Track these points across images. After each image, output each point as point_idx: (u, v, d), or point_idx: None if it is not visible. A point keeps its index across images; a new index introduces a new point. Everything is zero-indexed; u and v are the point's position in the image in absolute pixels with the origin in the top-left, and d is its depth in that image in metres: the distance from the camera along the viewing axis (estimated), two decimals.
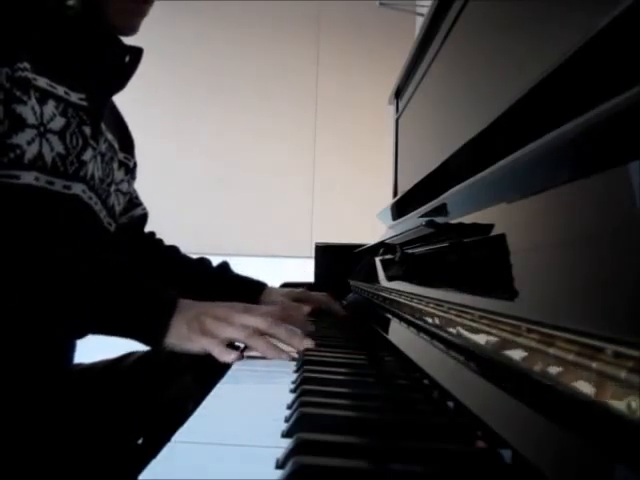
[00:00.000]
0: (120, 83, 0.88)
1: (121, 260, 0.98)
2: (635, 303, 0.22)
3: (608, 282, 0.25)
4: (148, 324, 0.67)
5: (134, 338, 0.69)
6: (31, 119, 0.70)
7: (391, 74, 1.43)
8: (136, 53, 0.87)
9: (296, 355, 0.68)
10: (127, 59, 0.86)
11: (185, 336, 0.67)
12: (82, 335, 0.69)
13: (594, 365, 0.24)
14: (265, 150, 3.10)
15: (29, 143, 0.70)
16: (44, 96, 0.73)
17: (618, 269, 0.25)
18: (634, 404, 0.20)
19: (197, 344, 0.67)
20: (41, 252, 0.68)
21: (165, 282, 1.02)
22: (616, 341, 0.23)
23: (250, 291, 1.06)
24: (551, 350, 0.28)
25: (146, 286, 0.70)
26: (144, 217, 1.09)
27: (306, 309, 0.97)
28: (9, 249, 0.66)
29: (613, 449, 0.22)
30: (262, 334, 0.68)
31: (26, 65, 0.70)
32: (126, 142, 0.99)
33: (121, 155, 0.96)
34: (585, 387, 0.24)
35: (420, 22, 1.52)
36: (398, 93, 1.38)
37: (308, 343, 0.70)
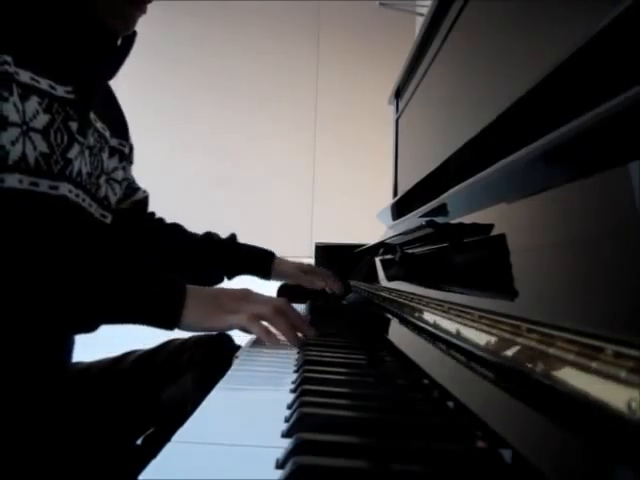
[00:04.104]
0: (111, 70, 0.84)
1: (124, 256, 0.99)
2: (635, 303, 0.22)
3: (608, 282, 0.25)
4: (162, 306, 0.67)
5: (149, 323, 0.67)
6: (13, 117, 0.67)
7: (391, 74, 1.43)
8: (128, 36, 0.83)
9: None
10: (119, 42, 0.82)
11: (206, 314, 0.68)
12: (94, 328, 0.67)
13: (594, 365, 0.24)
14: (265, 150, 3.10)
15: (13, 143, 0.67)
16: (27, 92, 0.69)
17: (618, 269, 0.25)
18: (634, 404, 0.20)
19: (222, 321, 0.69)
20: (47, 257, 0.66)
21: (170, 261, 1.04)
22: (616, 341, 0.23)
23: (261, 260, 1.10)
24: (551, 350, 0.28)
25: (156, 274, 0.70)
26: (146, 200, 1.08)
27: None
28: (4, 255, 0.64)
29: (613, 449, 0.22)
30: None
31: (7, 58, 0.66)
32: (119, 127, 0.95)
33: (114, 142, 0.92)
34: (585, 387, 0.24)
35: (420, 22, 1.52)
36: (398, 93, 1.38)
37: (312, 331, 0.76)
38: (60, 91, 0.74)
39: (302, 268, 1.14)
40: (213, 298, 0.70)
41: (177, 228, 1.13)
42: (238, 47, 3.12)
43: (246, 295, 0.73)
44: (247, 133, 3.09)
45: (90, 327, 0.67)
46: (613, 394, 0.22)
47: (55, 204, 0.74)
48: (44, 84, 0.72)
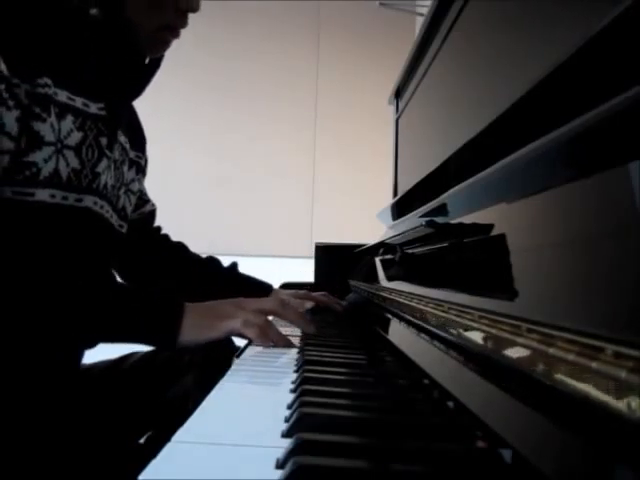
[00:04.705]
0: (140, 87, 0.86)
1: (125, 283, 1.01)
2: (635, 303, 0.22)
3: (608, 282, 0.25)
4: (159, 325, 0.68)
5: (148, 343, 0.70)
6: (49, 136, 0.69)
7: (391, 74, 1.43)
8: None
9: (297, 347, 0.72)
10: (147, 61, 0.85)
11: (202, 326, 0.70)
12: (93, 346, 0.70)
13: (594, 365, 0.24)
14: (265, 150, 3.10)
15: (46, 161, 0.69)
16: (63, 110, 0.71)
17: (618, 269, 0.25)
18: (634, 404, 0.20)
19: (219, 329, 0.70)
20: (51, 276, 0.67)
21: (173, 279, 1.06)
22: (616, 341, 0.23)
23: (258, 292, 1.09)
24: (551, 350, 0.28)
25: (152, 294, 0.71)
26: (153, 213, 1.09)
27: (308, 304, 1.07)
28: (20, 266, 0.65)
29: (613, 449, 0.22)
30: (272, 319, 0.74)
31: (47, 81, 0.68)
32: (138, 139, 0.98)
33: (132, 154, 0.94)
34: (585, 387, 0.24)
35: (420, 22, 1.52)
36: (398, 93, 1.38)
37: (312, 328, 0.79)
38: (93, 108, 0.76)
39: (296, 296, 1.12)
40: (208, 310, 0.72)
41: (181, 248, 1.13)
42: (238, 47, 3.12)
43: (239, 303, 0.74)
44: (247, 133, 3.09)
45: (89, 345, 0.70)
46: (613, 394, 0.22)
47: (79, 216, 0.76)
48: (79, 102, 0.74)
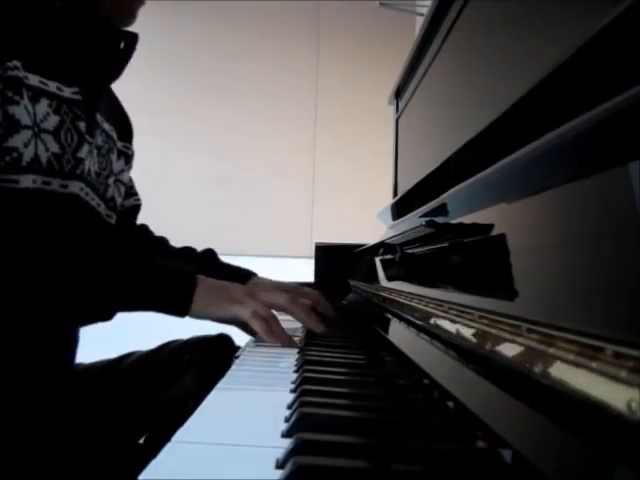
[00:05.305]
0: (115, 71, 0.86)
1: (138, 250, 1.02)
2: (635, 303, 0.22)
3: (608, 282, 0.25)
4: (173, 293, 0.69)
5: (161, 310, 0.70)
6: (25, 120, 0.69)
7: (391, 74, 1.43)
8: (131, 38, 0.84)
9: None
10: (122, 45, 0.84)
11: (212, 302, 0.70)
12: (111, 316, 0.70)
13: (594, 365, 0.24)
14: (265, 150, 3.09)
15: (26, 145, 0.69)
16: (36, 94, 0.71)
17: (618, 269, 0.25)
18: (634, 404, 0.20)
19: (227, 311, 0.70)
20: (51, 261, 0.67)
21: None
22: (616, 341, 0.23)
23: (236, 279, 0.97)
24: (551, 350, 0.28)
25: (167, 263, 0.73)
26: (137, 208, 1.07)
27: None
28: (16, 252, 0.66)
29: (613, 449, 0.22)
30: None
31: (16, 63, 0.68)
32: (125, 130, 0.97)
33: (120, 144, 0.94)
34: (585, 387, 0.24)
35: (420, 22, 1.52)
36: (398, 93, 1.38)
37: (321, 327, 0.77)
38: (67, 92, 0.76)
39: (282, 288, 0.96)
40: (221, 289, 0.73)
41: (160, 243, 1.08)
42: (238, 47, 3.12)
43: (252, 291, 0.75)
44: (247, 133, 3.09)
45: (107, 315, 0.69)
46: (613, 394, 0.22)
47: (66, 202, 0.76)
48: (52, 86, 0.74)
